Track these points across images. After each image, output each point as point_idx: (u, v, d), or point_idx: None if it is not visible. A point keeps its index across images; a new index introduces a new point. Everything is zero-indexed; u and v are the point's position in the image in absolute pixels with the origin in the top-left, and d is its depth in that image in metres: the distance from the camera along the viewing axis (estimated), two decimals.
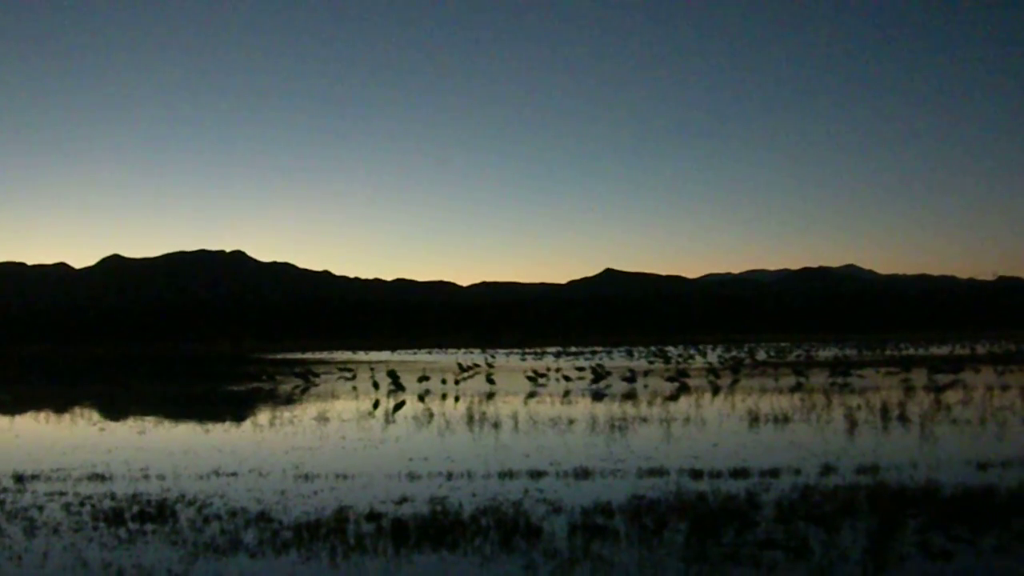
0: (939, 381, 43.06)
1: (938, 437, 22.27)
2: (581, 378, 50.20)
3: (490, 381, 47.23)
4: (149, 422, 29.41)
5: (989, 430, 23.57)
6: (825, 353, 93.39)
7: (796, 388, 40.14)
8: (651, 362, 73.84)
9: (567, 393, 39.33)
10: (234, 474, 18.21)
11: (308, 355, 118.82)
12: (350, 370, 59.98)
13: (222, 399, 41.30)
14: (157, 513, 14.03)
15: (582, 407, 32.21)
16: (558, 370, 59.22)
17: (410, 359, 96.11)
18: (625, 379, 45.97)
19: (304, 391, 44.02)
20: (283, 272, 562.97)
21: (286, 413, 31.79)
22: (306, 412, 31.98)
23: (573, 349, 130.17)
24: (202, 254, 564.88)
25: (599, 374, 48.31)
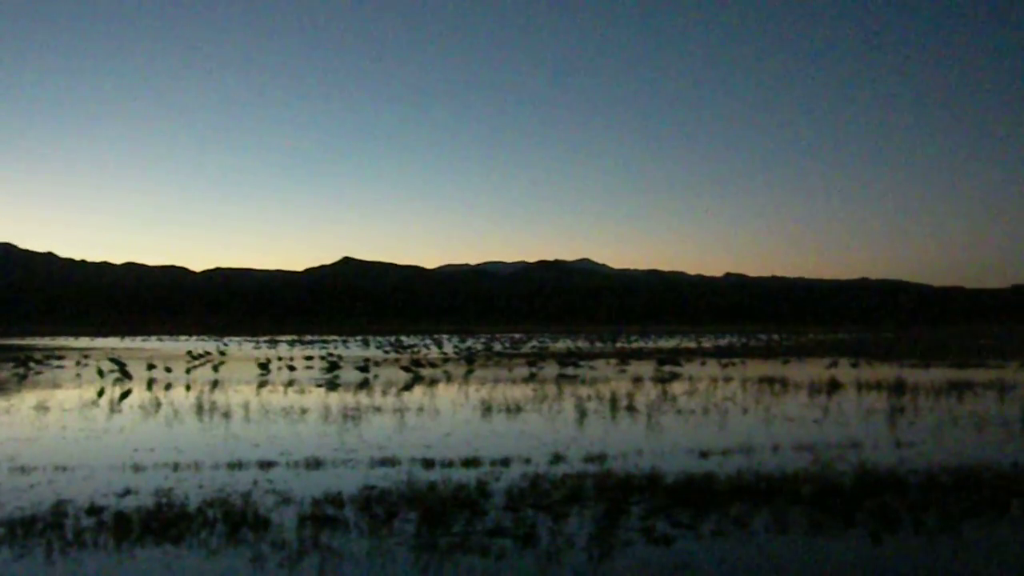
0: (666, 372, 44.87)
1: (664, 427, 23.07)
2: (315, 367, 49.55)
3: (215, 369, 46.01)
4: None
5: (712, 420, 24.60)
6: (559, 344, 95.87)
7: (530, 379, 40.88)
8: (387, 352, 73.81)
9: (300, 383, 38.69)
10: None
11: (28, 341, 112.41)
12: (74, 357, 57.07)
13: None
14: None
15: (315, 397, 31.71)
16: (291, 359, 58.33)
17: (138, 346, 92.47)
18: (359, 369, 45.63)
19: (23, 379, 41.50)
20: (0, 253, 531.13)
21: (1, 402, 29.83)
22: (24, 401, 30.12)
23: (309, 338, 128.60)
24: None
25: (333, 364, 47.82)
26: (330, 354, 58.78)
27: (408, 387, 36.25)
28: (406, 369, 44.52)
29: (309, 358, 55.62)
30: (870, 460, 17.51)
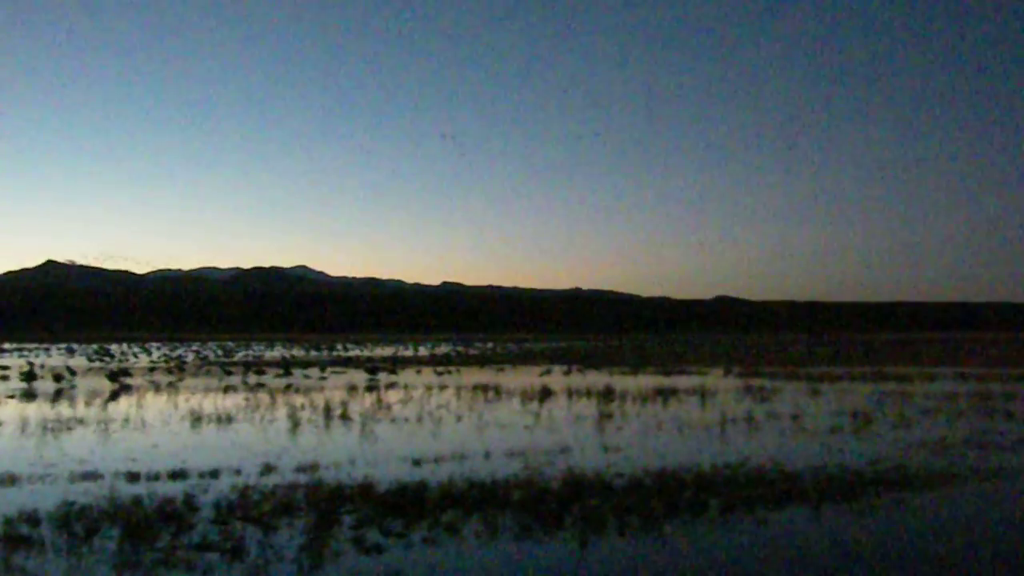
0: (380, 381, 44.89)
1: (377, 435, 23.06)
2: (11, 377, 46.66)
3: None
4: None
5: (425, 428, 24.78)
6: (274, 352, 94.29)
7: (245, 387, 39.98)
8: (92, 360, 70.50)
9: None
10: None
11: None
12: None
13: None
14: None
15: (10, 409, 29.86)
16: None
17: None
18: (60, 378, 43.31)
19: None
20: None
21: None
22: None
23: (7, 346, 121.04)
24: None
25: (30, 373, 45.15)
26: (29, 363, 55.38)
27: (113, 397, 34.70)
28: (112, 378, 42.62)
29: (4, 368, 52.28)
30: (579, 465, 18.08)
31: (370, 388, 40.04)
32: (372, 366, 58.85)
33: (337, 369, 57.70)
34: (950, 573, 10.55)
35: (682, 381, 46.12)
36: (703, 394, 36.88)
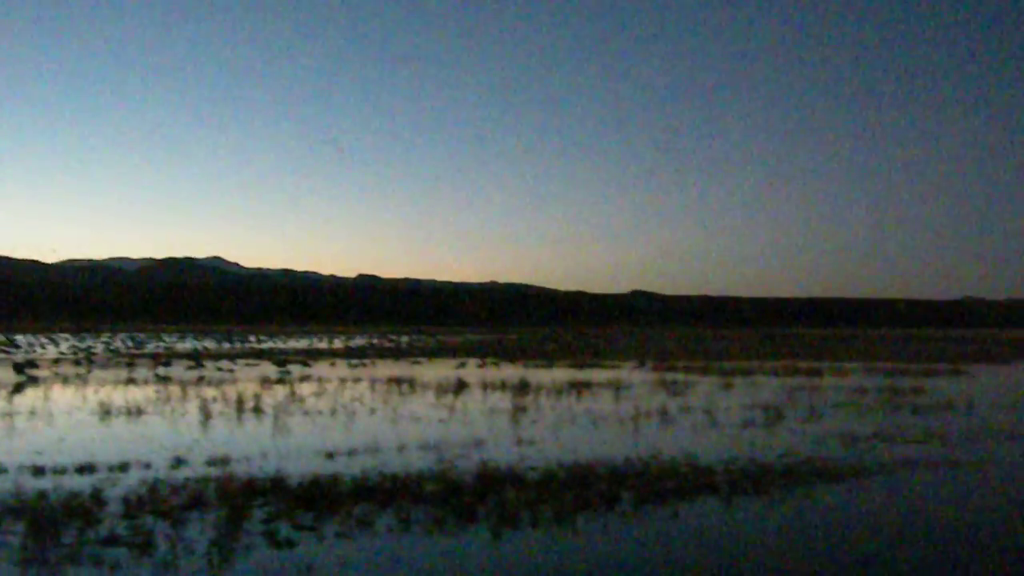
0: (294, 374, 44.52)
1: (290, 428, 22.86)
2: None
3: None
4: None
5: (339, 421, 24.63)
6: (186, 344, 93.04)
7: (154, 379, 39.36)
8: None
9: None
10: None
11: None
12: None
13: None
14: None
15: None
16: None
17: None
18: None
19: None
20: None
21: None
22: None
23: None
24: None
25: None
26: None
27: (18, 389, 33.95)
28: (18, 370, 41.71)
29: None
30: (493, 458, 18.12)
31: (284, 381, 39.67)
32: (286, 358, 58.35)
33: (250, 361, 57.07)
34: (858, 562, 10.78)
35: (597, 374, 46.42)
36: (617, 387, 37.16)
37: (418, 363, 58.67)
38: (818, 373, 48.56)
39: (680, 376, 45.49)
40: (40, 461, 17.20)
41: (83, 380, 39.06)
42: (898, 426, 24.52)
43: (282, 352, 73.06)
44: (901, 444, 21.05)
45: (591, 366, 55.70)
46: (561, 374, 46.83)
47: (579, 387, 36.89)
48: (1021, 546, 11.70)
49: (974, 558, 11.07)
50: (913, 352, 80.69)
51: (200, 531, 11.73)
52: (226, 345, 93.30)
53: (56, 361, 53.75)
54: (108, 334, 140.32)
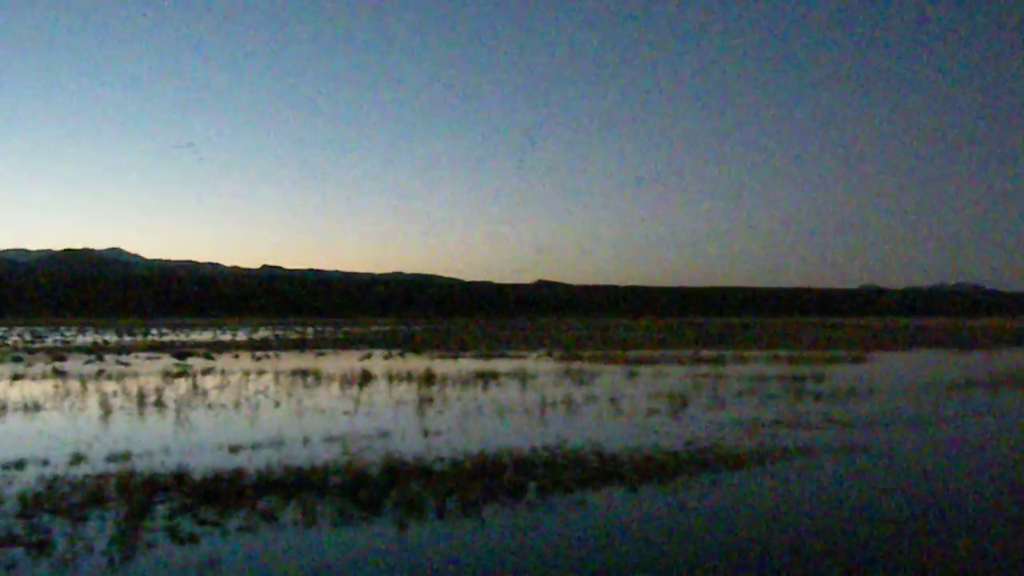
0: (198, 366, 43.85)
1: (193, 422, 22.53)
2: None
3: None
4: None
5: (243, 414, 24.34)
6: (86, 337, 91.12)
7: (54, 374, 38.47)
8: None
9: None
10: None
11: None
12: None
13: None
14: None
15: None
16: None
17: None
18: None
19: None
20: None
21: None
22: None
23: None
24: None
25: None
26: None
27: None
28: None
29: None
30: (398, 450, 18.07)
31: (186, 374, 39.04)
32: (188, 351, 57.48)
33: (152, 355, 56.08)
34: (756, 543, 10.98)
35: (503, 365, 46.51)
36: (524, 378, 37.27)
37: (323, 355, 58.18)
38: (722, 361, 49.26)
39: (586, 365, 45.80)
40: None
41: None
42: (800, 413, 25.01)
43: (184, 345, 71.91)
44: (802, 430, 21.48)
45: (497, 356, 55.77)
46: (467, 365, 46.81)
47: (485, 378, 36.91)
48: (913, 525, 12.02)
49: (872, 537, 11.35)
50: (815, 340, 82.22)
51: (100, 529, 11.52)
52: (127, 338, 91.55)
53: None
54: (3, 328, 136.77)
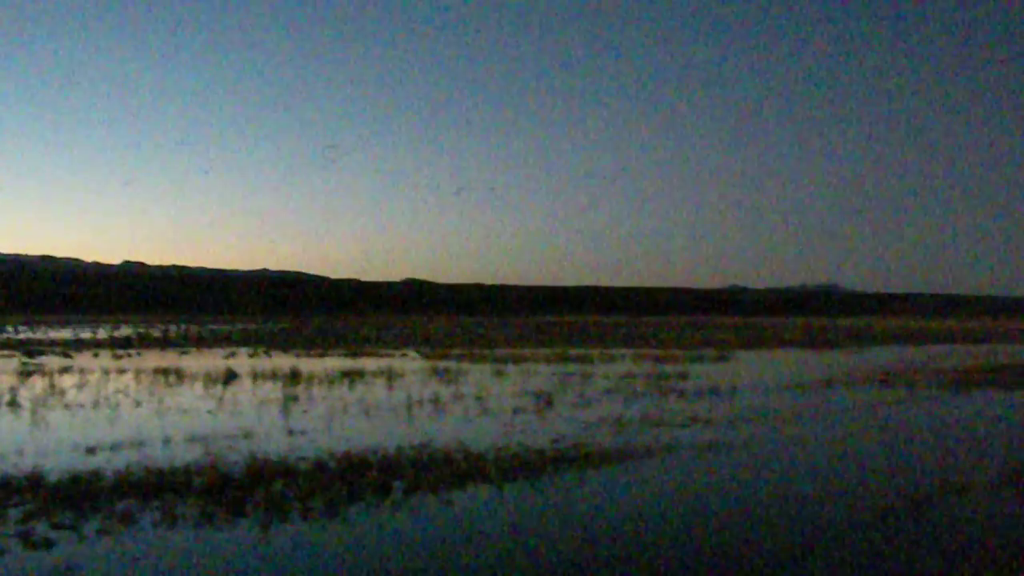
0: (55, 365, 42.59)
1: (48, 423, 21.88)
2: None
3: None
4: None
5: (102, 414, 23.72)
6: None
7: None
8: None
9: None
10: None
11: None
12: None
13: None
14: None
15: None
16: None
17: None
18: None
19: None
20: None
21: None
22: None
23: None
24: None
25: None
26: None
27: None
28: None
29: None
30: (262, 449, 17.86)
31: (42, 373, 37.87)
32: (43, 349, 55.77)
33: (5, 352, 54.23)
34: (623, 542, 11.18)
35: (370, 363, 46.26)
36: (390, 376, 37.13)
37: (186, 353, 57.05)
38: (588, 360, 49.83)
39: (453, 364, 45.85)
40: None
41: None
42: (665, 411, 25.48)
43: (40, 343, 69.69)
44: (667, 428, 21.90)
45: (364, 354, 55.46)
46: (333, 363, 46.45)
47: (351, 376, 36.67)
48: (774, 520, 12.38)
49: (734, 534, 11.65)
50: (680, 338, 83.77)
51: None
52: None
53: None
54: None
